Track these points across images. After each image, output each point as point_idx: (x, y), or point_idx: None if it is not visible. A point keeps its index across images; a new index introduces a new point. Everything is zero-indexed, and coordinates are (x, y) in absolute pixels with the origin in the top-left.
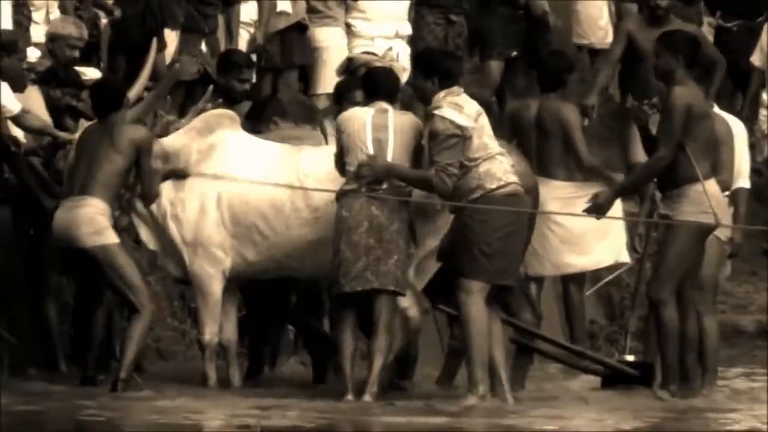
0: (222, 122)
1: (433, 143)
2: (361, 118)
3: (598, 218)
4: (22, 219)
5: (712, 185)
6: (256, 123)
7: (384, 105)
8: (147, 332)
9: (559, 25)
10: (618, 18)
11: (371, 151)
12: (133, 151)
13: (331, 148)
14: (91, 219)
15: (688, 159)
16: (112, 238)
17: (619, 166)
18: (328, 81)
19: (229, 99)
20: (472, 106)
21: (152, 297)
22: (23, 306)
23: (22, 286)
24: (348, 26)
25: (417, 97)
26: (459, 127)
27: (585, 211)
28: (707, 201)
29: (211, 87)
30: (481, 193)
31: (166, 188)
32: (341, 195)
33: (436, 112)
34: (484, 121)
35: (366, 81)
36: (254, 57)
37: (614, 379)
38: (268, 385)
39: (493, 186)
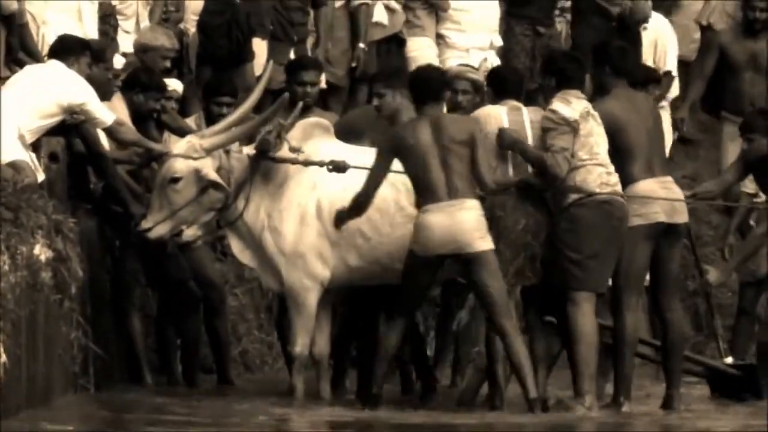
0: (314, 132)
1: (545, 135)
2: (497, 116)
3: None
4: (108, 231)
5: (647, 184)
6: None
7: (515, 103)
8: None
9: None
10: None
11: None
12: (471, 142)
13: None
14: (479, 221)
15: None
16: (492, 243)
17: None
18: None
19: (290, 102)
20: (581, 104)
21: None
22: (109, 318)
23: (109, 298)
24: (441, 37)
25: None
26: (563, 118)
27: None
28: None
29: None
30: (574, 199)
31: (265, 201)
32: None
33: (549, 107)
34: (594, 122)
35: (494, 80)
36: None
37: (722, 385)
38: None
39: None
